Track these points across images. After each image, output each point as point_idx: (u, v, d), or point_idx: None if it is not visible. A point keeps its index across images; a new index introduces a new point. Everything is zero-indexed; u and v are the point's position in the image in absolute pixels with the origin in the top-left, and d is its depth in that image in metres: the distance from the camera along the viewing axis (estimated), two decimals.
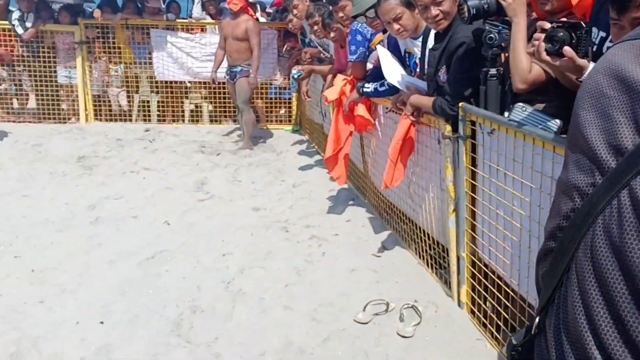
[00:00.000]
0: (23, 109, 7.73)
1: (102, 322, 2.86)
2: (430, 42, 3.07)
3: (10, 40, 7.22)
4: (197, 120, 8.00)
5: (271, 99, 8.01)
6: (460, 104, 2.69)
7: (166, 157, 6.19)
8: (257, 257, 3.72)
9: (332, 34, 4.57)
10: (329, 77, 4.93)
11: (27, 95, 7.73)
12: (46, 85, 7.49)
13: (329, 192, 5.09)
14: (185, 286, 3.28)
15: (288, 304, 3.14)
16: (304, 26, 5.93)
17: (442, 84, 2.88)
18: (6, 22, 7.16)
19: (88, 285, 3.25)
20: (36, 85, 7.51)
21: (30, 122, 7.59)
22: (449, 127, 2.81)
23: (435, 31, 2.97)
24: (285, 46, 7.13)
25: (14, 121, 7.53)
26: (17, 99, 7.71)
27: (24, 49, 7.32)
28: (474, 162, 2.72)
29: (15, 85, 7.56)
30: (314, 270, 3.56)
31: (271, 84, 7.89)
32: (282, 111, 8.20)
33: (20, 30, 7.10)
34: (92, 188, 5.04)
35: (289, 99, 8.03)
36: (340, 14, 4.23)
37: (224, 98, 7.73)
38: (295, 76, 5.17)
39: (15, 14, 7.16)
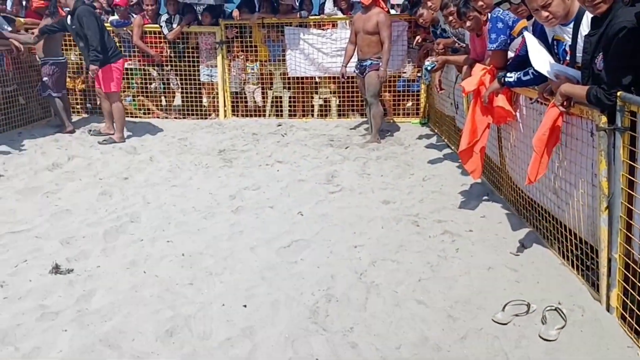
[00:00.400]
0: (170, 105, 8.40)
1: (245, 305, 3.03)
2: (584, 28, 2.85)
3: (160, 42, 7.87)
4: (326, 115, 8.17)
5: (399, 91, 7.96)
6: (618, 94, 2.48)
7: (298, 150, 6.40)
8: (388, 249, 3.73)
9: (468, 23, 4.43)
10: (465, 67, 4.78)
11: (174, 93, 8.39)
12: (190, 84, 8.07)
13: (461, 187, 4.96)
14: (320, 274, 3.38)
15: (422, 298, 3.11)
16: (438, 17, 5.82)
17: (598, 72, 2.67)
18: (156, 25, 7.81)
19: (232, 270, 3.46)
20: (181, 84, 8.12)
21: (176, 117, 8.23)
22: (604, 119, 2.60)
23: (591, 16, 2.75)
24: (417, 38, 6.99)
25: (164, 117, 8.20)
26: (165, 96, 8.39)
27: (172, 50, 7.94)
28: (632, 156, 2.50)
29: (164, 84, 8.23)
30: (449, 266, 3.49)
31: (400, 77, 7.84)
32: (410, 104, 8.11)
33: (166, 31, 7.71)
34: (232, 179, 5.35)
35: (417, 91, 7.93)
36: (480, 3, 4.08)
37: (352, 92, 7.82)
38: (429, 68, 5.08)
39: (164, 17, 7.79)
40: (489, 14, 4.13)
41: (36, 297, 3.11)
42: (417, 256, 3.62)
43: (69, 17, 6.54)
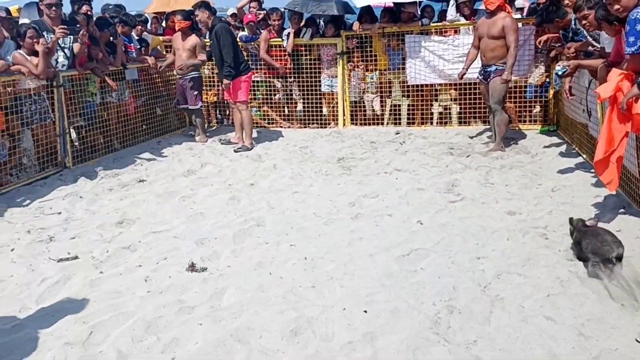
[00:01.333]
0: (292, 115, 8.73)
1: (365, 311, 3.08)
2: None
3: (284, 55, 8.21)
4: (446, 122, 8.03)
5: (525, 98, 7.61)
6: None
7: (416, 159, 6.35)
8: (514, 262, 3.59)
9: (605, 27, 4.14)
10: (600, 69, 4.46)
11: (296, 103, 8.70)
12: (311, 94, 8.33)
13: (594, 198, 4.65)
14: (441, 285, 3.34)
15: (551, 314, 2.97)
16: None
17: None
18: (280, 39, 8.16)
19: (352, 275, 3.53)
20: (303, 94, 8.41)
21: (297, 127, 8.53)
22: None
23: None
24: (543, 38, 6.45)
25: (287, 127, 8.54)
26: (288, 106, 8.74)
27: (295, 62, 8.25)
28: None
29: (287, 94, 8.57)
30: (581, 282, 3.29)
31: (526, 83, 7.50)
32: (537, 111, 7.72)
33: (285, 44, 8.04)
34: (351, 186, 5.45)
35: (545, 97, 7.53)
36: (616, 6, 3.81)
37: (474, 99, 7.61)
38: (560, 72, 4.82)
39: (286, 31, 8.12)
40: (628, 15, 3.84)
41: (175, 292, 3.40)
42: (545, 270, 3.46)
43: (208, 33, 7.10)
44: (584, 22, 4.61)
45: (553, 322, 2.89)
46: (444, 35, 7.69)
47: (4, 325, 3.08)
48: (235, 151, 7.06)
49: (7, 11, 6.55)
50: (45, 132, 6.06)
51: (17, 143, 5.73)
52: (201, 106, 7.91)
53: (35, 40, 5.74)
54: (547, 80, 7.34)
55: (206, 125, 8.44)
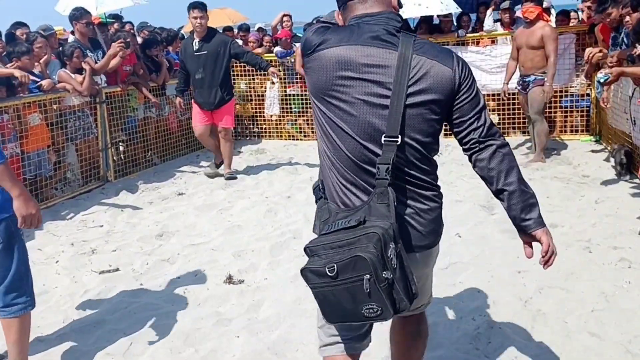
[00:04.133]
0: None
1: None
2: None
3: None
4: None
5: (566, 107, 7.44)
6: None
7: (454, 170, 6.27)
8: (557, 276, 3.49)
9: None
10: None
11: None
12: None
13: None
14: (480, 299, 3.27)
15: (596, 331, 2.87)
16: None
17: None
18: None
19: None
20: None
21: None
22: None
23: None
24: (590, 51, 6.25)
25: None
26: None
27: None
28: None
29: None
30: (626, 297, 3.18)
31: (567, 92, 7.34)
32: (578, 120, 7.54)
33: None
34: None
35: (587, 106, 7.35)
36: None
37: (513, 109, 7.49)
38: (602, 80, 4.69)
39: None
40: None
41: (213, 304, 3.43)
42: (589, 285, 3.35)
43: (197, 41, 6.26)
44: (627, 19, 4.48)
45: (598, 339, 2.80)
46: (482, 46, 7.60)
47: (48, 335, 3.17)
48: (227, 179, 6.40)
49: (47, 29, 6.78)
50: (89, 147, 6.25)
51: (62, 158, 5.93)
52: None
53: (82, 60, 5.96)
54: (589, 89, 7.16)
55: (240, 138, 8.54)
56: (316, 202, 1.90)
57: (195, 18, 6.06)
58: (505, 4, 7.40)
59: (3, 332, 2.63)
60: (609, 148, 6.58)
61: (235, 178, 6.42)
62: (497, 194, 1.88)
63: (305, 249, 1.73)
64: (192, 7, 6.07)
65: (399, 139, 1.72)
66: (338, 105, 1.77)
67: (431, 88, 1.75)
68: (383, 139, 1.73)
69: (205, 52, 6.08)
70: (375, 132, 1.74)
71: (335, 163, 1.82)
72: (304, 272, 1.70)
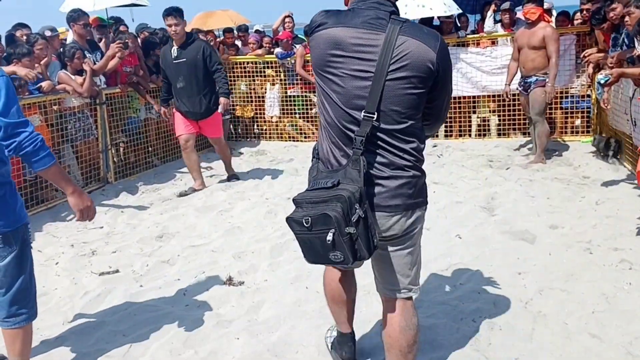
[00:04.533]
0: None
1: None
2: None
3: None
4: (484, 134, 7.91)
5: (566, 108, 7.44)
6: None
7: (455, 172, 6.26)
8: (557, 278, 3.49)
9: None
10: None
11: None
12: None
13: None
14: (480, 301, 3.27)
15: (596, 332, 2.86)
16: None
17: None
18: None
19: None
20: None
21: None
22: None
23: None
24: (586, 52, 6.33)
25: None
26: None
27: None
28: None
29: None
30: (627, 298, 3.18)
31: (567, 93, 7.33)
32: (579, 121, 7.54)
33: None
34: None
35: (587, 107, 7.34)
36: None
37: (513, 110, 7.48)
38: (602, 81, 4.70)
39: None
40: None
41: (213, 306, 3.43)
42: (589, 286, 3.35)
43: (176, 48, 5.90)
44: (626, 19, 4.48)
45: (599, 340, 2.79)
46: (481, 47, 7.59)
47: (47, 336, 3.16)
48: (229, 180, 6.36)
49: (53, 29, 6.80)
50: (89, 148, 6.25)
51: (62, 160, 5.92)
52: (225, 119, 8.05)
53: (82, 60, 5.96)
54: (590, 90, 7.16)
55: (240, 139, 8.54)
56: (312, 160, 2.25)
57: (170, 26, 5.70)
58: (506, 5, 7.40)
59: (5, 342, 2.57)
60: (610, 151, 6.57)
61: (238, 179, 6.42)
62: None
63: (292, 200, 2.08)
64: (166, 14, 5.68)
65: (375, 115, 2.01)
66: (331, 79, 2.06)
67: (412, 65, 1.99)
68: (362, 114, 2.02)
69: (184, 59, 5.74)
70: (358, 103, 2.04)
71: (327, 129, 2.14)
72: (288, 220, 2.05)
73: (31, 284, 2.55)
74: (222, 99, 5.89)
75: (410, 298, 2.30)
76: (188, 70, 5.76)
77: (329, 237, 1.94)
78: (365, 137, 2.01)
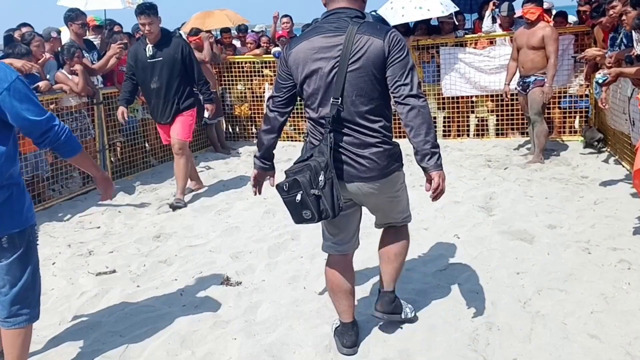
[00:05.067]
0: None
1: (401, 327, 3.02)
2: None
3: None
4: (482, 134, 7.90)
5: (565, 108, 7.43)
6: None
7: (453, 171, 6.24)
8: (555, 278, 3.48)
9: None
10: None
11: None
12: None
13: (639, 211, 4.47)
14: (479, 301, 3.25)
15: (595, 332, 2.85)
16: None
17: None
18: None
19: None
20: None
21: None
22: None
23: None
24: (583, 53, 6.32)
25: None
26: None
27: None
28: None
29: None
30: (626, 299, 3.17)
31: (565, 93, 7.33)
32: (577, 121, 7.53)
33: None
34: None
35: (586, 107, 7.34)
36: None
37: (512, 110, 7.47)
38: (600, 81, 4.67)
39: None
40: None
41: (210, 306, 3.41)
42: (588, 286, 3.34)
43: (150, 47, 5.56)
44: (624, 17, 4.48)
45: (598, 341, 2.78)
46: (479, 48, 7.58)
47: (44, 337, 3.14)
48: (171, 206, 5.50)
49: (58, 32, 6.79)
50: (86, 148, 6.23)
51: (58, 159, 5.90)
52: (219, 121, 8.18)
53: (81, 60, 5.95)
54: (588, 89, 7.16)
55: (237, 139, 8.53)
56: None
57: (144, 25, 5.34)
58: (504, 12, 7.38)
59: (3, 342, 2.54)
60: (608, 149, 6.57)
61: (184, 207, 5.49)
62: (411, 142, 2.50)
63: (284, 172, 2.57)
64: (139, 12, 5.33)
65: (340, 100, 2.48)
66: (307, 76, 2.55)
67: (367, 56, 2.44)
68: (331, 100, 2.50)
69: (161, 58, 5.40)
70: (329, 93, 2.51)
71: (309, 117, 2.64)
72: (277, 186, 2.57)
73: (34, 285, 2.53)
74: (209, 105, 5.75)
75: (403, 225, 2.95)
76: (164, 69, 5.40)
77: (298, 197, 2.45)
78: (332, 118, 2.48)
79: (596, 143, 6.69)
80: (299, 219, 2.54)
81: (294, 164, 2.58)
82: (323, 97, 2.52)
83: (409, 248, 4.05)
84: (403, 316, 3.01)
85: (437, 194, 2.55)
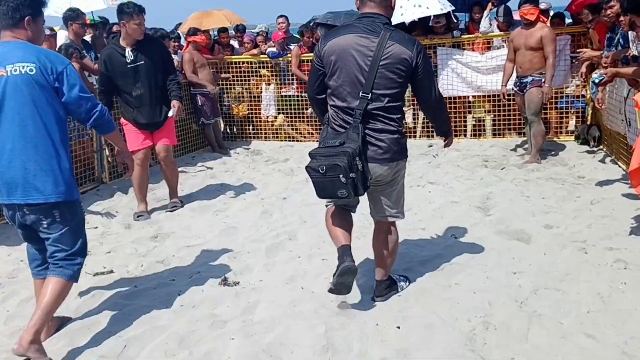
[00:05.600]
0: None
1: (399, 327, 3.03)
2: None
3: None
4: (480, 134, 7.92)
5: (561, 108, 7.46)
6: None
7: (450, 171, 6.27)
8: (552, 278, 3.49)
9: None
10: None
11: None
12: None
13: (636, 211, 4.50)
14: (476, 300, 3.26)
15: (592, 332, 2.87)
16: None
17: None
18: (311, 54, 8.22)
19: None
20: None
21: None
22: None
23: None
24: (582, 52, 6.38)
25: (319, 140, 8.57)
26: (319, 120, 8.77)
27: None
28: None
29: None
30: (622, 298, 3.18)
31: (562, 93, 7.35)
32: (574, 121, 7.56)
33: None
34: None
35: (582, 107, 7.37)
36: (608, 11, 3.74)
37: (508, 110, 7.49)
38: (596, 80, 4.69)
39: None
40: None
41: (208, 306, 3.41)
42: (585, 286, 3.35)
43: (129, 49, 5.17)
44: (609, 11, 4.50)
45: (594, 340, 2.79)
46: (478, 51, 7.59)
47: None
48: (170, 210, 5.44)
49: (51, 29, 6.78)
50: (83, 148, 6.23)
51: None
52: (216, 121, 8.23)
53: (79, 60, 5.96)
54: (584, 90, 7.18)
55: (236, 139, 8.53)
56: (322, 125, 3.16)
57: (139, 25, 4.97)
58: (501, 16, 7.41)
59: (40, 291, 2.95)
60: (605, 149, 6.60)
61: (182, 206, 5.48)
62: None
63: (309, 154, 2.98)
64: (137, 12, 4.93)
65: (369, 95, 2.88)
66: (339, 68, 2.94)
67: (395, 61, 2.87)
68: (360, 94, 2.90)
69: (142, 62, 5.01)
70: (357, 86, 2.91)
71: (334, 105, 3.02)
72: (307, 168, 2.96)
73: (82, 251, 3.07)
74: (176, 102, 5.13)
75: (394, 222, 3.25)
76: (147, 74, 5.01)
77: (342, 179, 2.82)
78: (363, 110, 2.89)
79: (593, 141, 6.74)
80: (328, 195, 3.00)
81: (320, 147, 2.97)
82: (352, 90, 2.91)
83: (407, 248, 4.11)
84: (399, 290, 3.41)
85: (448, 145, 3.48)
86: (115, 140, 3.24)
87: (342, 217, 3.23)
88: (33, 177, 2.79)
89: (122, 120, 5.26)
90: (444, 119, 3.31)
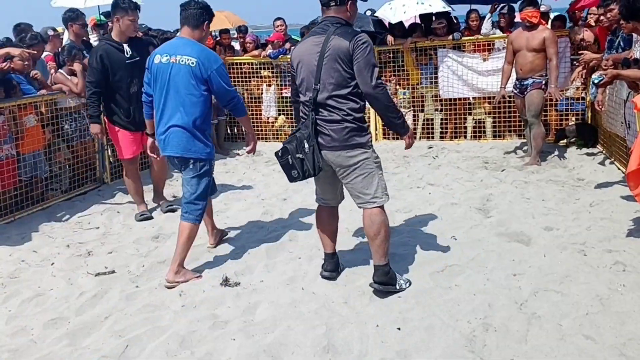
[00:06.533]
0: None
1: (399, 328, 3.05)
2: None
3: None
4: (480, 136, 7.93)
5: (562, 110, 7.47)
6: None
7: (450, 173, 6.29)
8: (552, 279, 3.51)
9: None
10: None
11: None
12: None
13: (634, 213, 4.51)
14: (476, 302, 3.28)
15: (590, 333, 2.88)
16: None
17: None
18: None
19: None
20: None
21: None
22: None
23: None
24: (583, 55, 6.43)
25: None
26: None
27: None
28: None
29: None
30: (621, 300, 3.20)
31: (562, 95, 7.36)
32: (573, 123, 7.57)
33: None
34: None
35: (582, 110, 7.38)
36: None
37: (508, 112, 7.51)
38: (596, 81, 4.70)
39: None
40: None
41: (209, 307, 3.43)
42: (584, 288, 3.37)
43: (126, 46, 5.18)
44: (608, 15, 4.52)
45: (593, 342, 2.81)
46: (479, 51, 7.61)
47: (43, 337, 3.16)
48: (166, 211, 5.43)
49: (54, 29, 6.79)
50: (85, 148, 6.24)
51: (55, 161, 5.90)
52: (214, 123, 8.07)
53: (81, 60, 5.97)
54: (584, 92, 7.20)
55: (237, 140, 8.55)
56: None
57: (133, 21, 4.97)
58: (504, 9, 7.43)
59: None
60: (604, 151, 6.62)
61: (174, 211, 5.31)
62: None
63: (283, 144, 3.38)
64: (132, 8, 4.94)
65: (319, 85, 3.22)
66: (301, 68, 3.34)
67: (337, 53, 3.17)
68: (312, 86, 3.26)
69: (138, 58, 4.96)
70: (312, 80, 3.26)
71: (300, 100, 3.41)
72: (275, 153, 3.41)
73: (204, 198, 3.90)
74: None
75: (375, 207, 3.35)
76: (141, 70, 4.57)
77: (290, 160, 3.30)
78: (313, 100, 3.23)
79: (575, 140, 7.08)
80: (290, 178, 3.36)
81: (289, 136, 3.40)
82: (308, 84, 3.28)
83: (407, 249, 4.13)
84: (398, 287, 3.45)
85: (409, 146, 3.57)
86: (246, 124, 4.18)
87: (327, 222, 3.65)
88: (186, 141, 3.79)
89: (111, 125, 5.19)
90: (390, 115, 3.31)
